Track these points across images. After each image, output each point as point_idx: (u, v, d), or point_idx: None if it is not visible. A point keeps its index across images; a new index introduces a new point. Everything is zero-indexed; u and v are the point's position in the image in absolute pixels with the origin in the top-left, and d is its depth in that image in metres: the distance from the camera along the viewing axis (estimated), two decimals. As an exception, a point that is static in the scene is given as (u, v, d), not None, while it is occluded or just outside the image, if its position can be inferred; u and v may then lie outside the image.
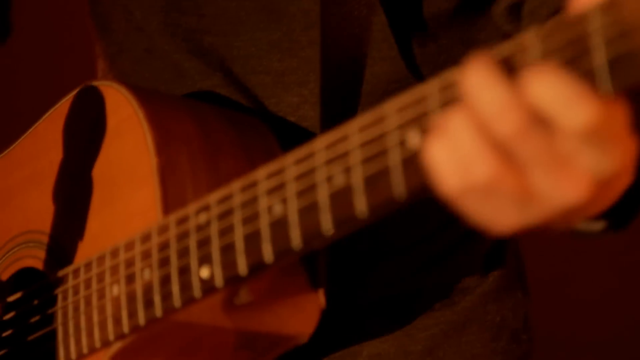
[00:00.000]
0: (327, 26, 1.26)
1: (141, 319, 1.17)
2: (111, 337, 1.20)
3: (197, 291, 1.12)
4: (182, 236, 1.14)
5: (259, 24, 1.30)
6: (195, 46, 1.32)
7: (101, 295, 1.21)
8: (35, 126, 1.34)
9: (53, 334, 1.27)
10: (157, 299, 1.15)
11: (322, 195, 1.01)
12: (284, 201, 1.05)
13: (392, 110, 0.96)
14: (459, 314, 1.36)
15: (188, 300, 1.13)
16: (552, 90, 0.85)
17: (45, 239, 1.30)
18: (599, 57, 0.84)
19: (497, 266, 1.39)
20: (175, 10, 1.33)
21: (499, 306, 1.39)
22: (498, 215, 0.90)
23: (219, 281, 1.11)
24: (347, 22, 1.26)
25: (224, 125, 1.26)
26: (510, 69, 0.88)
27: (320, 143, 1.02)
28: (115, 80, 1.25)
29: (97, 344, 1.21)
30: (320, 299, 1.21)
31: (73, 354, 1.24)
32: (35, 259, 1.31)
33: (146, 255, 1.17)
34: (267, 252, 1.06)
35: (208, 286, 1.11)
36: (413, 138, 0.95)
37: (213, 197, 1.11)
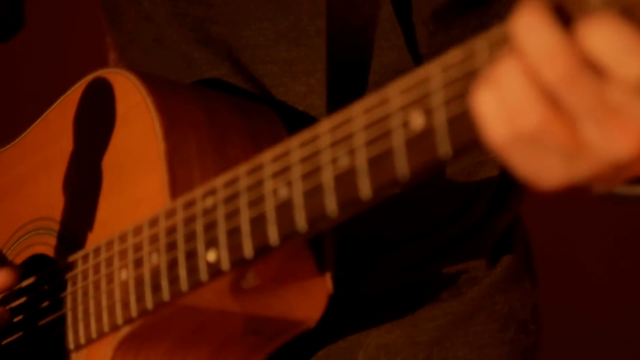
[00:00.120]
0: (334, 15, 1.26)
1: (149, 303, 1.18)
2: (120, 321, 1.21)
3: (203, 275, 1.13)
4: (189, 220, 1.14)
5: (266, 13, 1.30)
6: (203, 36, 1.33)
7: (110, 280, 1.22)
8: (45, 114, 1.35)
9: (63, 319, 1.28)
10: (164, 283, 1.16)
11: (327, 178, 1.02)
12: (289, 184, 1.05)
13: (396, 91, 0.97)
14: (466, 305, 1.36)
15: (195, 283, 1.14)
16: (608, 38, 0.83)
17: (55, 225, 1.31)
18: None
19: (506, 256, 1.39)
20: (183, 0, 1.34)
21: (507, 297, 1.39)
22: (545, 168, 0.88)
23: (225, 264, 1.11)
24: (354, 11, 1.26)
25: (231, 112, 1.26)
26: (564, 18, 0.86)
27: (324, 125, 1.03)
28: (124, 67, 1.26)
29: (106, 328, 1.22)
30: (327, 283, 1.22)
31: (82, 339, 1.25)
32: (46, 245, 1.32)
33: (154, 239, 1.18)
34: (273, 235, 1.07)
35: (214, 269, 1.12)
36: (416, 119, 0.95)
37: (219, 181, 1.12)
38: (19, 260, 1.36)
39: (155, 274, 1.17)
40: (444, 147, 0.93)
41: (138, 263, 1.19)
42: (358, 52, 1.26)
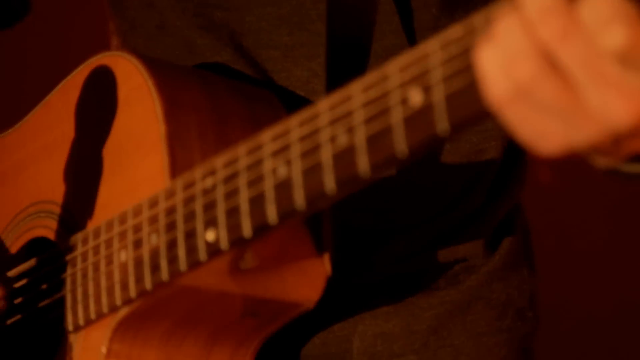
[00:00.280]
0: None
1: (148, 283, 1.18)
2: (118, 302, 1.21)
3: (202, 254, 1.13)
4: (189, 200, 1.15)
5: None
6: (206, 21, 1.33)
7: (109, 261, 1.22)
8: (47, 98, 1.36)
9: (62, 301, 1.29)
10: (163, 263, 1.16)
11: (326, 156, 1.02)
12: (289, 163, 1.05)
13: (395, 69, 0.97)
14: (464, 293, 1.36)
15: (194, 263, 1.14)
16: (598, 5, 0.85)
17: (56, 208, 1.31)
18: None
19: (504, 244, 1.39)
20: None
21: (505, 284, 1.39)
22: (544, 129, 0.89)
23: (224, 244, 1.11)
24: None
25: (233, 96, 1.27)
26: None
27: (324, 104, 1.03)
28: (126, 50, 1.27)
29: (105, 309, 1.22)
30: (326, 265, 1.22)
31: (81, 320, 1.25)
32: (47, 228, 1.32)
33: (153, 220, 1.18)
34: (272, 214, 1.07)
35: (213, 249, 1.12)
36: (415, 96, 0.95)
37: (219, 161, 1.13)
38: (19, 243, 1.36)
39: (155, 254, 1.17)
40: (442, 124, 0.94)
41: (137, 244, 1.19)
42: (358, 35, 1.27)
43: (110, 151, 1.26)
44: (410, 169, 1.13)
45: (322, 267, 1.21)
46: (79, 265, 1.26)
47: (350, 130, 1.00)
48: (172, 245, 1.16)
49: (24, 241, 1.36)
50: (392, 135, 0.97)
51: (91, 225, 1.26)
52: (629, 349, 2.67)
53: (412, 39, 1.30)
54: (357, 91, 1.00)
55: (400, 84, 0.96)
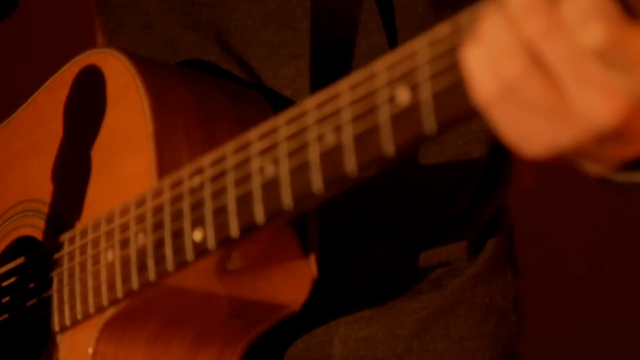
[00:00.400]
0: None
1: (135, 283, 1.17)
2: (105, 302, 1.20)
3: (189, 254, 1.12)
4: (176, 199, 1.14)
5: None
6: (193, 19, 1.33)
7: (96, 261, 1.21)
8: (34, 96, 1.35)
9: (49, 300, 1.28)
10: (150, 262, 1.15)
11: (313, 155, 1.02)
12: (276, 162, 1.05)
13: (382, 67, 0.97)
14: (447, 297, 1.35)
15: (181, 263, 1.13)
16: (578, 3, 0.85)
17: (43, 207, 1.30)
18: None
19: (488, 248, 1.39)
20: None
21: (488, 288, 1.38)
22: (530, 129, 0.89)
23: (211, 243, 1.11)
24: None
25: (220, 96, 1.26)
26: None
27: (311, 102, 1.03)
28: (114, 47, 1.26)
29: (91, 309, 1.21)
30: (312, 267, 1.21)
31: (67, 320, 1.24)
32: (34, 227, 1.32)
33: (140, 219, 1.17)
34: (259, 213, 1.07)
35: (200, 249, 1.12)
36: (402, 94, 0.95)
37: (207, 160, 1.12)
38: (6, 242, 1.36)
39: (142, 254, 1.16)
40: (429, 122, 0.93)
41: (124, 243, 1.19)
42: (342, 34, 1.26)
43: (98, 149, 1.25)
44: (395, 172, 1.13)
45: (308, 269, 1.21)
46: (66, 265, 1.25)
47: (338, 129, 1.00)
48: (159, 244, 1.15)
49: (10, 240, 1.35)
50: (379, 134, 0.96)
51: (79, 224, 1.26)
52: (617, 346, 2.67)
53: (393, 38, 1.29)
54: (344, 89, 1.00)
55: (388, 82, 0.96)
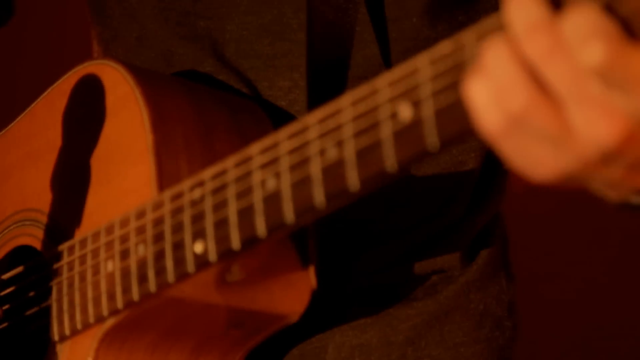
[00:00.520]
0: (314, 8, 1.27)
1: (135, 294, 1.18)
2: (105, 312, 1.21)
3: (190, 266, 1.13)
4: (177, 212, 1.15)
5: (251, 6, 1.31)
6: (189, 30, 1.33)
7: (96, 271, 1.22)
8: (32, 105, 1.35)
9: (48, 310, 1.28)
10: (151, 274, 1.16)
11: (315, 169, 1.03)
12: (277, 175, 1.06)
13: (384, 83, 0.98)
14: (441, 304, 1.36)
15: (182, 275, 1.14)
16: (578, 23, 0.86)
17: (42, 217, 1.31)
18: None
19: (482, 254, 1.40)
20: None
21: (483, 294, 1.39)
22: (536, 156, 0.89)
23: (212, 256, 1.11)
24: (334, 3, 1.27)
25: (218, 106, 1.27)
26: (555, 2, 0.88)
27: (313, 117, 1.03)
28: (112, 59, 1.26)
29: (91, 319, 1.22)
30: (311, 278, 1.22)
31: (67, 330, 1.25)
32: (32, 237, 1.32)
33: (141, 231, 1.18)
34: (260, 226, 1.07)
35: (202, 261, 1.12)
36: (404, 111, 0.96)
37: (207, 173, 1.13)
38: (3, 251, 1.36)
39: (142, 265, 1.17)
40: (431, 139, 0.94)
41: (124, 254, 1.19)
42: (338, 45, 1.27)
43: (97, 160, 1.26)
44: None
45: (307, 280, 1.22)
46: (65, 275, 1.26)
47: (340, 144, 1.00)
48: (159, 256, 1.16)
49: (8, 249, 1.35)
50: (381, 150, 0.97)
51: (78, 234, 1.26)
52: (614, 350, 2.68)
53: (386, 49, 1.30)
54: (346, 105, 1.01)
55: (390, 99, 0.97)
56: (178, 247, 1.14)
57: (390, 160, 0.97)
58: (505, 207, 1.46)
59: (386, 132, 0.97)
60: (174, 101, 1.23)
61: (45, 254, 1.29)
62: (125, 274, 1.19)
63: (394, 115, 0.96)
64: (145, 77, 1.24)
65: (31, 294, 1.32)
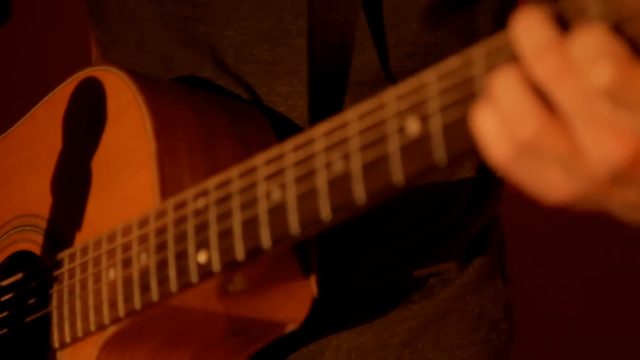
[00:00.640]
0: (314, 14, 1.26)
1: (137, 303, 1.17)
2: (106, 320, 1.20)
3: (194, 276, 1.13)
4: (180, 221, 1.14)
5: (250, 12, 1.31)
6: (189, 35, 1.33)
7: (97, 279, 1.22)
8: (33, 110, 1.35)
9: (48, 317, 1.28)
10: (153, 283, 1.16)
11: (321, 182, 1.02)
12: (283, 187, 1.06)
13: (392, 97, 0.98)
14: (437, 306, 1.37)
15: (185, 285, 1.14)
16: (587, 44, 0.86)
17: (42, 222, 1.30)
18: None
19: (479, 256, 1.40)
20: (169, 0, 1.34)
21: (479, 296, 1.40)
22: (548, 180, 0.90)
23: (216, 266, 1.11)
24: (335, 9, 1.27)
25: (220, 113, 1.27)
26: (563, 24, 0.89)
27: (319, 130, 1.03)
28: (114, 65, 1.26)
29: (92, 327, 1.22)
30: (312, 286, 1.22)
31: (67, 337, 1.25)
32: (32, 242, 1.32)
33: (143, 239, 1.17)
34: (265, 237, 1.07)
35: (205, 271, 1.12)
36: (412, 125, 0.96)
37: (211, 183, 1.12)
38: (2, 256, 1.35)
39: (144, 274, 1.17)
40: (439, 154, 0.94)
41: (126, 263, 1.19)
42: (338, 52, 1.27)
43: (98, 166, 1.25)
44: None
45: (308, 288, 1.22)
46: (66, 282, 1.25)
47: (346, 157, 1.00)
48: (162, 265, 1.15)
49: (7, 255, 1.35)
50: (388, 164, 0.97)
51: (78, 240, 1.26)
52: (610, 352, 2.70)
53: (384, 55, 1.30)
54: (353, 118, 1.01)
55: (397, 113, 0.97)
56: (181, 256, 1.14)
57: (397, 174, 0.97)
58: (502, 209, 1.47)
59: (393, 146, 0.97)
60: (176, 108, 1.23)
61: (46, 261, 1.29)
62: (128, 282, 1.18)
63: (401, 130, 0.96)
64: (147, 84, 1.24)
65: (31, 300, 1.32)
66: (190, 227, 1.13)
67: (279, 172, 1.06)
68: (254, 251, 1.09)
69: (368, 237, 1.34)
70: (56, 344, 1.26)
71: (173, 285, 1.15)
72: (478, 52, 0.92)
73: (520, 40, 0.89)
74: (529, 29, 0.88)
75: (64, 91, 1.30)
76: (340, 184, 1.01)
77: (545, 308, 2.68)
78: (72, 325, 1.24)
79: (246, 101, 1.32)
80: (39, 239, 1.31)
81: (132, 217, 1.19)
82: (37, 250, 1.31)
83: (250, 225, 1.08)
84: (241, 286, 1.18)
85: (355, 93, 1.30)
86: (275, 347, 1.31)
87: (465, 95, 0.92)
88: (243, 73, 1.32)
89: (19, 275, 1.34)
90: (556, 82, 0.87)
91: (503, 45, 0.91)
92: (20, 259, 1.34)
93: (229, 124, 1.26)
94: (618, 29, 0.86)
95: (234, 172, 1.11)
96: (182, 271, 1.14)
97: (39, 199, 1.31)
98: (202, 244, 1.12)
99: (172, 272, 1.15)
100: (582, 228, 2.65)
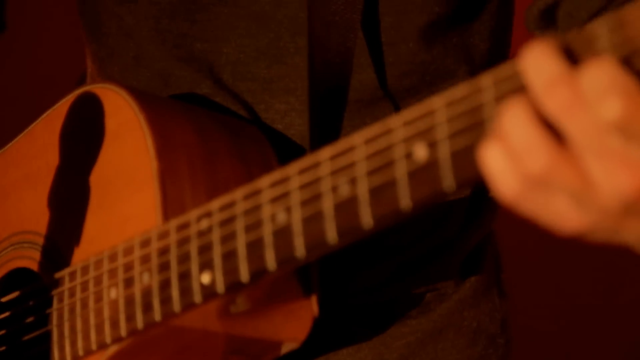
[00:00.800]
0: (314, 34, 1.27)
1: (139, 322, 1.17)
2: (108, 340, 1.20)
3: (197, 296, 1.13)
4: (183, 242, 1.15)
5: (248, 30, 1.31)
6: (186, 52, 1.33)
7: (98, 298, 1.22)
8: (32, 127, 1.34)
9: (47, 335, 1.28)
10: (156, 303, 1.16)
11: (327, 205, 1.03)
12: (288, 210, 1.06)
13: (399, 123, 0.98)
14: (435, 322, 1.38)
15: (188, 305, 1.14)
16: (597, 77, 0.87)
17: (39, 239, 1.30)
18: None
19: (475, 272, 1.41)
20: (167, 16, 1.34)
21: (476, 311, 1.41)
22: (559, 213, 0.90)
23: (220, 287, 1.12)
24: (334, 29, 1.27)
25: (220, 131, 1.27)
26: (572, 58, 0.89)
27: (325, 153, 1.03)
28: (114, 82, 1.26)
29: (93, 346, 1.22)
30: (313, 306, 1.23)
31: (68, 356, 1.24)
32: (30, 259, 1.31)
33: (145, 259, 1.18)
34: (270, 260, 1.08)
35: (209, 292, 1.12)
36: (419, 151, 0.96)
37: (215, 204, 1.12)
38: (0, 273, 1.35)
39: (147, 293, 1.17)
40: (447, 180, 0.95)
41: (128, 282, 1.19)
42: (338, 70, 1.27)
43: (98, 184, 1.25)
44: None
45: (309, 308, 1.22)
46: (66, 301, 1.25)
47: (353, 182, 1.01)
48: (165, 285, 1.15)
49: (5, 272, 1.34)
50: (396, 189, 0.98)
51: (77, 258, 1.26)
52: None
53: (382, 74, 1.31)
54: (359, 143, 1.01)
55: (405, 138, 0.97)
56: (184, 277, 1.14)
57: (405, 199, 0.97)
58: (497, 224, 1.48)
59: (401, 171, 0.97)
60: (177, 127, 1.23)
61: (45, 279, 1.29)
62: (129, 301, 1.18)
63: (408, 155, 0.97)
64: (148, 103, 1.24)
65: (30, 318, 1.32)
66: (193, 248, 1.14)
67: (284, 195, 1.06)
68: (259, 273, 1.09)
69: (364, 254, 1.34)
70: (56, 363, 1.26)
71: (176, 305, 1.15)
72: (487, 80, 0.93)
73: (529, 74, 0.90)
74: (538, 63, 0.89)
75: (63, 107, 1.30)
76: (346, 208, 1.01)
77: (540, 323, 2.69)
78: (73, 344, 1.24)
79: (244, 118, 1.32)
80: (37, 256, 1.30)
81: (132, 237, 1.19)
82: (35, 267, 1.31)
83: (255, 247, 1.09)
84: (244, 307, 1.18)
85: (353, 111, 1.30)
86: None
87: (474, 122, 0.93)
88: (240, 90, 1.32)
89: (17, 293, 1.33)
90: (566, 116, 0.88)
91: (512, 73, 0.92)
92: (18, 276, 1.34)
93: (229, 142, 1.26)
94: (627, 61, 0.87)
95: (237, 194, 1.11)
96: (186, 291, 1.14)
97: (37, 216, 1.31)
98: (206, 265, 1.12)
99: (175, 292, 1.15)
100: (577, 245, 2.66)
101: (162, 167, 1.19)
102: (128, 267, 1.19)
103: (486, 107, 0.93)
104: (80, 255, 1.26)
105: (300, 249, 1.05)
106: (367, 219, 1.00)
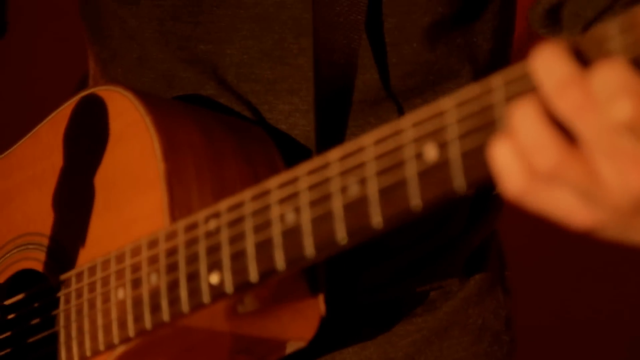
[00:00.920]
0: (318, 35, 1.28)
1: (148, 323, 1.18)
2: (116, 340, 1.21)
3: (206, 296, 1.14)
4: (191, 242, 1.15)
5: (252, 31, 1.32)
6: (190, 54, 1.34)
7: (106, 299, 1.22)
8: (37, 128, 1.35)
9: (54, 336, 1.28)
10: (164, 303, 1.16)
11: (337, 205, 1.03)
12: (297, 210, 1.06)
13: (409, 124, 0.99)
14: (440, 320, 1.38)
15: (197, 305, 1.14)
16: (608, 78, 0.88)
17: (45, 241, 1.30)
18: None
19: (479, 269, 1.42)
20: (170, 18, 1.34)
21: (481, 309, 1.41)
22: (569, 209, 0.91)
23: (229, 287, 1.12)
24: (338, 31, 1.28)
25: (226, 132, 1.27)
26: (582, 59, 0.90)
27: (334, 154, 1.04)
28: (120, 85, 1.26)
29: (101, 347, 1.22)
30: (320, 305, 1.23)
31: (75, 357, 1.25)
32: (35, 261, 1.31)
33: (153, 260, 1.18)
34: (279, 260, 1.08)
35: (218, 292, 1.13)
36: (429, 151, 0.97)
37: (223, 205, 1.13)
38: (5, 275, 1.35)
39: (155, 294, 1.17)
40: (458, 180, 0.95)
41: (136, 283, 1.19)
42: (343, 70, 1.28)
43: (103, 185, 1.25)
44: None
45: (316, 307, 1.23)
46: (73, 302, 1.26)
47: (363, 182, 1.01)
48: (173, 286, 1.16)
49: (10, 273, 1.35)
50: (406, 189, 0.98)
51: (83, 259, 1.26)
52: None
53: (386, 74, 1.31)
54: (368, 143, 1.01)
55: (415, 139, 0.98)
56: (193, 277, 1.15)
57: (415, 199, 0.98)
58: (501, 222, 1.48)
59: (411, 171, 0.98)
60: (183, 128, 1.24)
61: (52, 280, 1.29)
62: (137, 302, 1.19)
63: (419, 156, 0.97)
64: (154, 104, 1.24)
65: (37, 319, 1.32)
66: (202, 248, 1.14)
67: (293, 195, 1.07)
68: (268, 273, 1.09)
69: (370, 253, 1.35)
70: (64, 364, 1.27)
71: (185, 305, 1.15)
72: (497, 81, 0.94)
73: (540, 75, 0.90)
74: (549, 64, 0.90)
75: (68, 109, 1.30)
76: (356, 208, 1.02)
77: (544, 320, 2.70)
78: (81, 344, 1.24)
79: (248, 119, 1.32)
80: (43, 257, 1.30)
81: (139, 238, 1.20)
82: (40, 268, 1.31)
83: (264, 247, 1.09)
84: (251, 307, 1.19)
85: (357, 111, 1.31)
86: None
87: (484, 122, 0.94)
88: (244, 91, 1.33)
89: (23, 294, 1.34)
90: (577, 117, 0.89)
91: (522, 74, 0.92)
92: (24, 278, 1.34)
93: (235, 142, 1.27)
94: (638, 63, 0.88)
95: (246, 194, 1.11)
96: (194, 292, 1.14)
97: (43, 218, 1.31)
98: (214, 266, 1.13)
99: (183, 293, 1.15)
100: (581, 240, 2.67)
101: (169, 169, 1.19)
102: (136, 268, 1.19)
103: (496, 107, 0.93)
104: (86, 256, 1.26)
105: (309, 249, 1.06)
106: (377, 218, 1.01)
